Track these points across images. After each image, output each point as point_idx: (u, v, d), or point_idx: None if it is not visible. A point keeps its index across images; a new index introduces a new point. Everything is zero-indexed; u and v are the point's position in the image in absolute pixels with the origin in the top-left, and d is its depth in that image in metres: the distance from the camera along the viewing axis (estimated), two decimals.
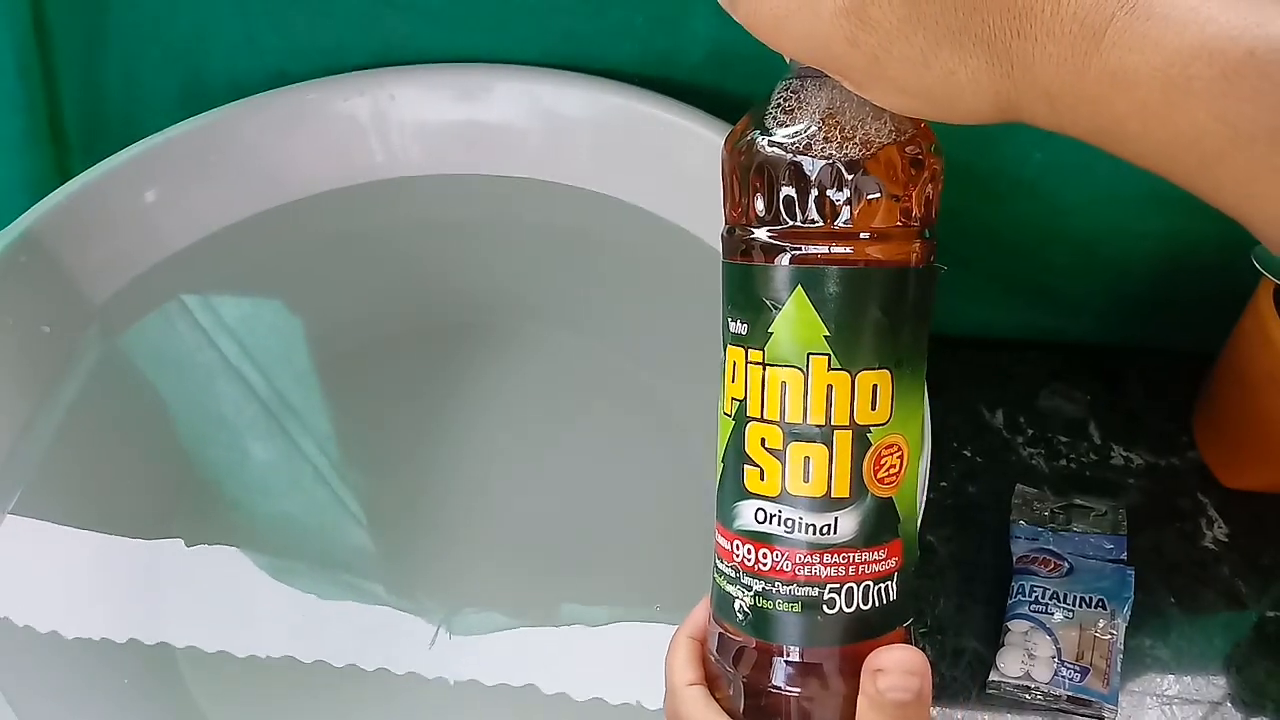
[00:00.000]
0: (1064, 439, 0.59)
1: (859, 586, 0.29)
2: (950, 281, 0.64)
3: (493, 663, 0.48)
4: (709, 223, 0.53)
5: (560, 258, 0.58)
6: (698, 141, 0.52)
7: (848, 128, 0.28)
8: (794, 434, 0.28)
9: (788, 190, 0.28)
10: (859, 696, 0.28)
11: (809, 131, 0.28)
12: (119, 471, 0.51)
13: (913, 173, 0.28)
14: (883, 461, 0.28)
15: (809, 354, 0.28)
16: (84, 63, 0.55)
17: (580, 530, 0.52)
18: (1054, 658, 0.49)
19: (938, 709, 0.49)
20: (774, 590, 0.29)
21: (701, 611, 0.33)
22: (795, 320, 0.28)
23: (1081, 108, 0.25)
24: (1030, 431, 0.59)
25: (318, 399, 0.56)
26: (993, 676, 0.49)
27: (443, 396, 0.56)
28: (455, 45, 0.55)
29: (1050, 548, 0.53)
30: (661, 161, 0.54)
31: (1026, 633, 0.50)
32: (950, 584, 0.53)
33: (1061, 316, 0.63)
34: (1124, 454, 0.58)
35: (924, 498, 0.31)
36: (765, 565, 0.29)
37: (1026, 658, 0.49)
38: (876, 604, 0.29)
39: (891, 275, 0.28)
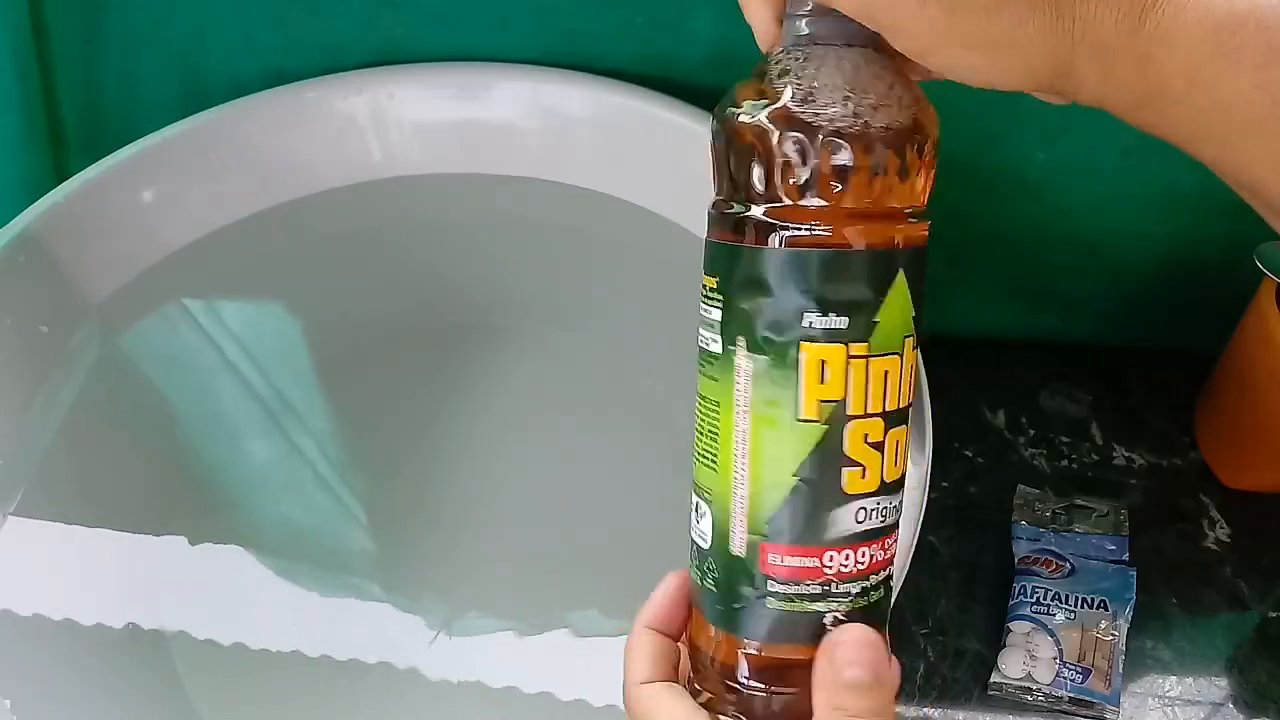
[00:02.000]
0: (1065, 439, 0.59)
1: (893, 567, 0.29)
2: (953, 282, 0.65)
3: (493, 663, 0.48)
4: None
5: (560, 258, 0.58)
6: (698, 141, 0.52)
7: (828, 102, 0.27)
8: (892, 420, 0.27)
9: (827, 161, 0.26)
10: (815, 691, 0.27)
11: (786, 105, 0.27)
12: (118, 471, 0.51)
13: (930, 151, 0.28)
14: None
15: (904, 337, 0.27)
16: (82, 62, 0.55)
17: (580, 531, 0.52)
18: (1056, 659, 0.49)
19: (940, 710, 0.49)
20: (872, 584, 0.28)
21: (663, 601, 0.31)
22: (897, 305, 0.27)
23: (1131, 67, 0.25)
24: (1032, 432, 0.59)
25: (317, 398, 0.56)
26: (994, 678, 0.49)
27: (442, 396, 0.56)
28: (455, 45, 0.55)
29: (1052, 548, 0.53)
30: (662, 161, 0.53)
31: (1028, 634, 0.50)
32: (952, 585, 0.53)
33: (1063, 317, 0.63)
34: (1126, 454, 0.58)
35: None
36: (864, 564, 0.28)
37: (1028, 659, 0.49)
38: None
39: (921, 251, 0.28)
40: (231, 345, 0.55)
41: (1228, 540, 0.55)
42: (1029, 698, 0.49)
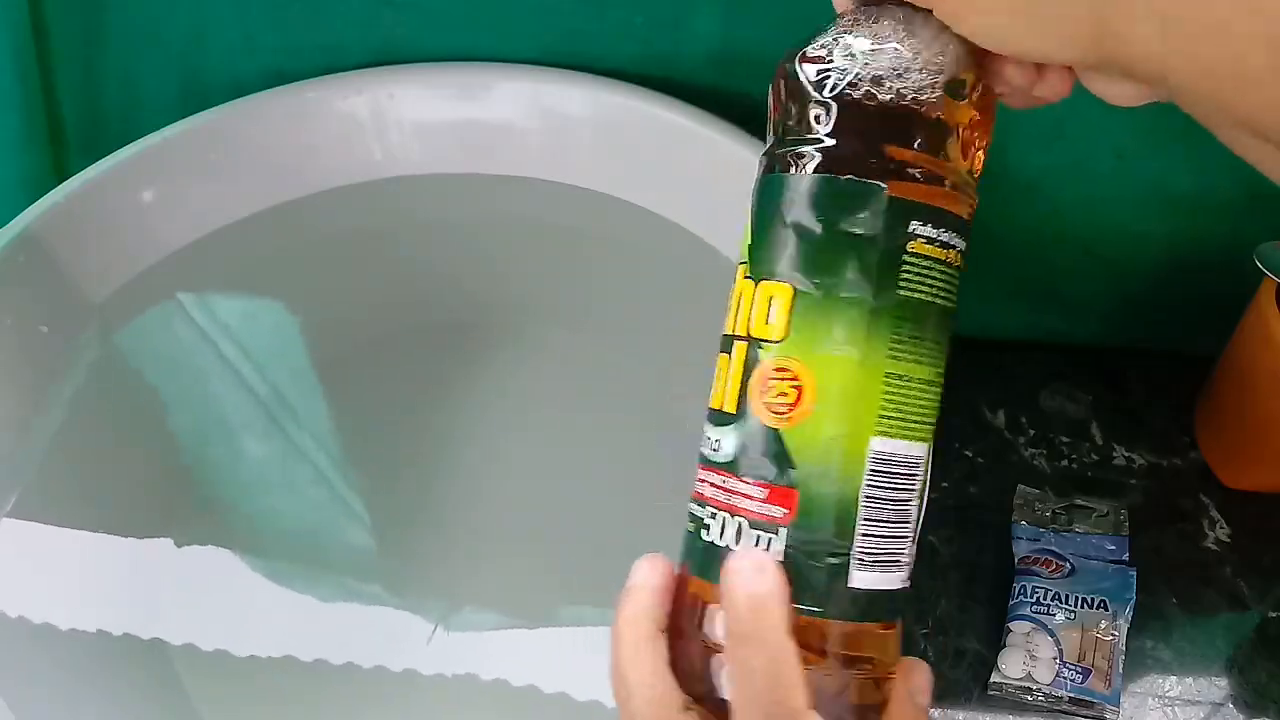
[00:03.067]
0: (1065, 439, 0.59)
1: (731, 519, 0.27)
2: None
3: (490, 661, 0.48)
4: (710, 222, 0.53)
5: (560, 258, 0.58)
6: (698, 141, 0.52)
7: (845, 49, 0.27)
8: (722, 344, 0.28)
9: (776, 97, 0.29)
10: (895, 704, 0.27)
11: (823, 41, 0.28)
12: (117, 471, 0.51)
13: (869, 113, 0.27)
14: (770, 384, 0.27)
15: (740, 262, 0.28)
16: (82, 62, 0.55)
17: (579, 529, 0.52)
18: (1056, 659, 0.49)
19: (940, 710, 0.49)
20: (691, 513, 0.29)
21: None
22: (749, 227, 0.28)
23: (1202, 35, 0.23)
24: (1032, 432, 0.59)
25: (316, 398, 0.56)
26: (994, 678, 0.49)
27: (441, 396, 0.56)
28: (455, 45, 0.55)
29: (1052, 548, 0.53)
30: (662, 161, 0.53)
31: (1028, 634, 0.50)
32: (951, 585, 0.53)
33: (1063, 317, 0.63)
34: (1126, 454, 0.58)
35: (881, 494, 0.27)
36: (695, 488, 0.29)
37: (1028, 659, 0.49)
38: (753, 546, 0.27)
39: (822, 184, 0.27)
40: (231, 345, 0.55)
41: (1228, 540, 0.55)
42: (1029, 698, 0.49)
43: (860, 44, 0.27)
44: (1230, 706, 0.49)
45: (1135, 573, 0.52)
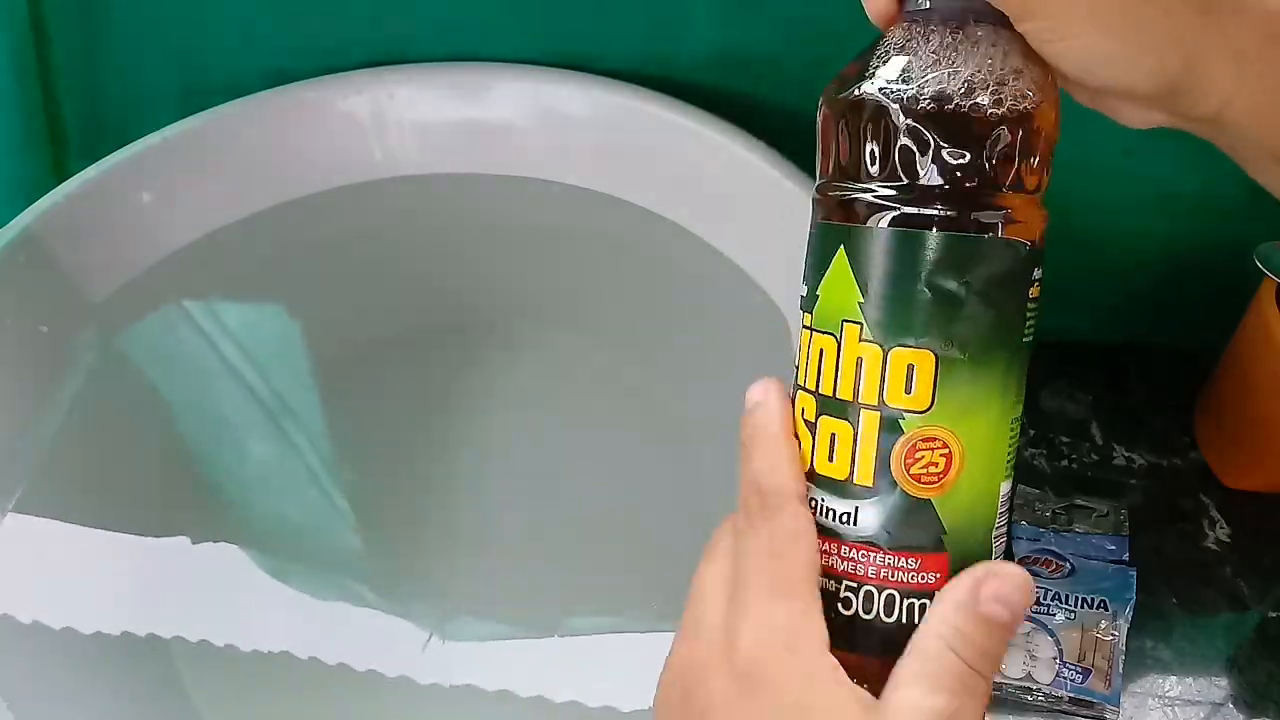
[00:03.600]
0: (1065, 439, 0.59)
1: (880, 593, 0.26)
2: None
3: (487, 667, 0.48)
4: (710, 222, 0.53)
5: (560, 258, 0.58)
6: (698, 141, 0.52)
7: (926, 77, 0.25)
8: (824, 407, 0.26)
9: (844, 140, 0.26)
10: (937, 603, 0.25)
11: (885, 78, 0.25)
12: (117, 471, 0.51)
13: (990, 135, 0.25)
14: (918, 455, 0.25)
15: (843, 320, 0.25)
16: (82, 62, 0.55)
17: (578, 533, 0.52)
18: (1056, 659, 0.49)
19: None
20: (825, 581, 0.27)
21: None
22: (835, 282, 0.26)
23: (1271, 75, 0.24)
24: (1032, 432, 0.59)
25: (316, 399, 0.56)
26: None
27: (441, 397, 0.56)
28: (455, 45, 0.55)
29: (1052, 548, 0.53)
30: (662, 161, 0.53)
31: (1028, 634, 0.50)
32: None
33: (1063, 316, 0.62)
34: (1126, 454, 0.58)
35: (1002, 524, 0.27)
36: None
37: (1028, 659, 0.49)
38: (904, 620, 0.26)
39: (940, 241, 0.25)
40: (231, 345, 0.55)
41: (1228, 540, 0.55)
42: (1029, 698, 0.49)
43: (943, 69, 0.25)
44: (1230, 706, 0.49)
45: (1135, 573, 0.52)
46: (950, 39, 0.25)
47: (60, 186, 0.51)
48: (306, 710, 0.47)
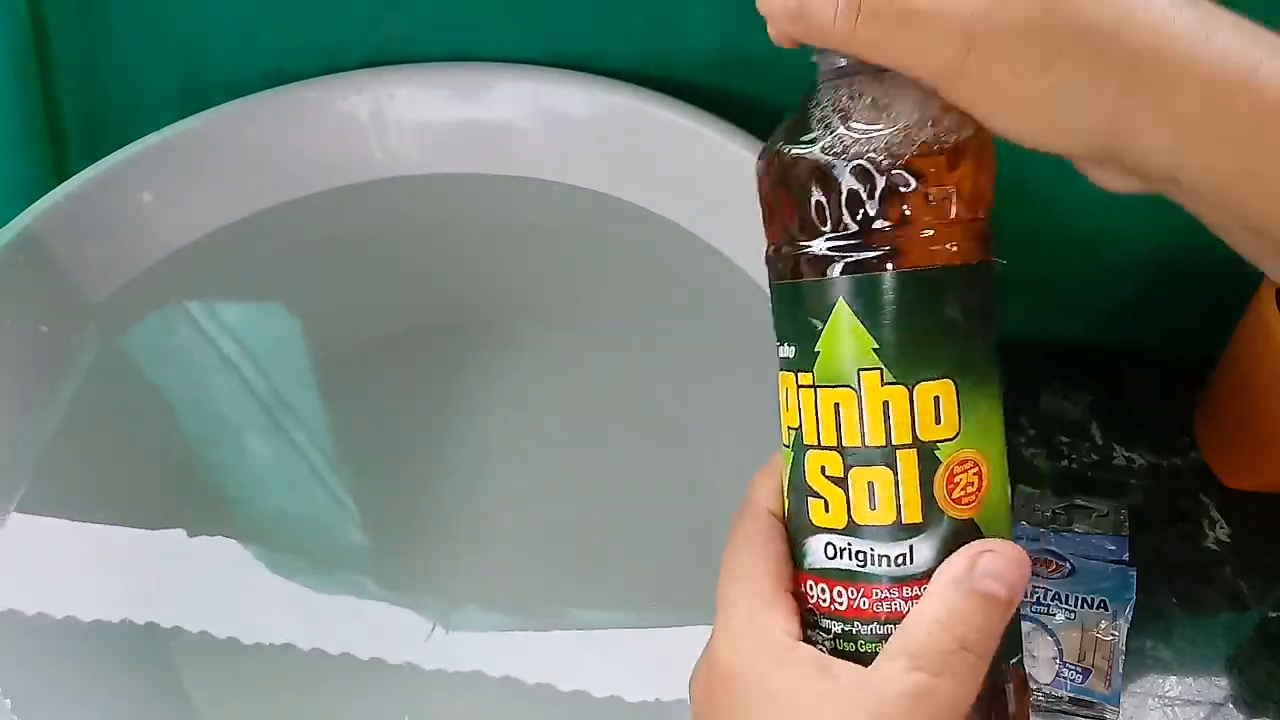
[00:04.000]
0: (1065, 439, 0.59)
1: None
2: None
3: (488, 659, 0.48)
4: (709, 222, 0.53)
5: (560, 258, 0.58)
6: (698, 141, 0.52)
7: (882, 126, 0.26)
8: (854, 458, 0.26)
9: (818, 197, 0.26)
10: (939, 573, 0.26)
11: (840, 134, 0.26)
12: (117, 470, 0.51)
13: (953, 167, 0.26)
14: (956, 480, 0.26)
15: (859, 370, 0.26)
16: (82, 62, 0.55)
17: (576, 529, 0.52)
18: (1056, 659, 0.49)
19: None
20: (855, 631, 0.27)
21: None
22: (840, 335, 0.26)
23: (1219, 145, 0.24)
24: (1032, 432, 0.59)
25: (316, 397, 0.56)
26: None
27: (441, 396, 0.56)
28: (455, 45, 0.55)
29: (1052, 548, 0.53)
30: (661, 161, 0.53)
31: (1028, 634, 0.50)
32: None
33: (1063, 317, 0.63)
34: (1125, 454, 0.58)
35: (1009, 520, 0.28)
36: (842, 605, 0.27)
37: (1028, 659, 0.49)
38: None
39: (938, 276, 0.26)
40: (231, 345, 0.55)
41: (1228, 540, 0.55)
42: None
43: (895, 117, 0.26)
44: (1230, 706, 0.49)
45: (1135, 573, 0.52)
46: (883, 87, 0.26)
47: (60, 186, 0.51)
48: (309, 706, 0.47)
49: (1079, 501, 0.56)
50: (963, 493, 0.26)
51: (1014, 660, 0.28)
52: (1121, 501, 0.56)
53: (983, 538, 0.26)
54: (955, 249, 0.26)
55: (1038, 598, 0.51)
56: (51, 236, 0.50)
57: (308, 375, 0.57)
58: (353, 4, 0.54)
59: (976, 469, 0.26)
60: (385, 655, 0.48)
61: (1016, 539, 0.54)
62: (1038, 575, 0.52)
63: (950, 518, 0.26)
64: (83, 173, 0.52)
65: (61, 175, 0.55)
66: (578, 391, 0.56)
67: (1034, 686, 0.48)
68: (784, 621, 0.27)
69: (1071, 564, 0.52)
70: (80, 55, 0.55)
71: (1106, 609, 0.50)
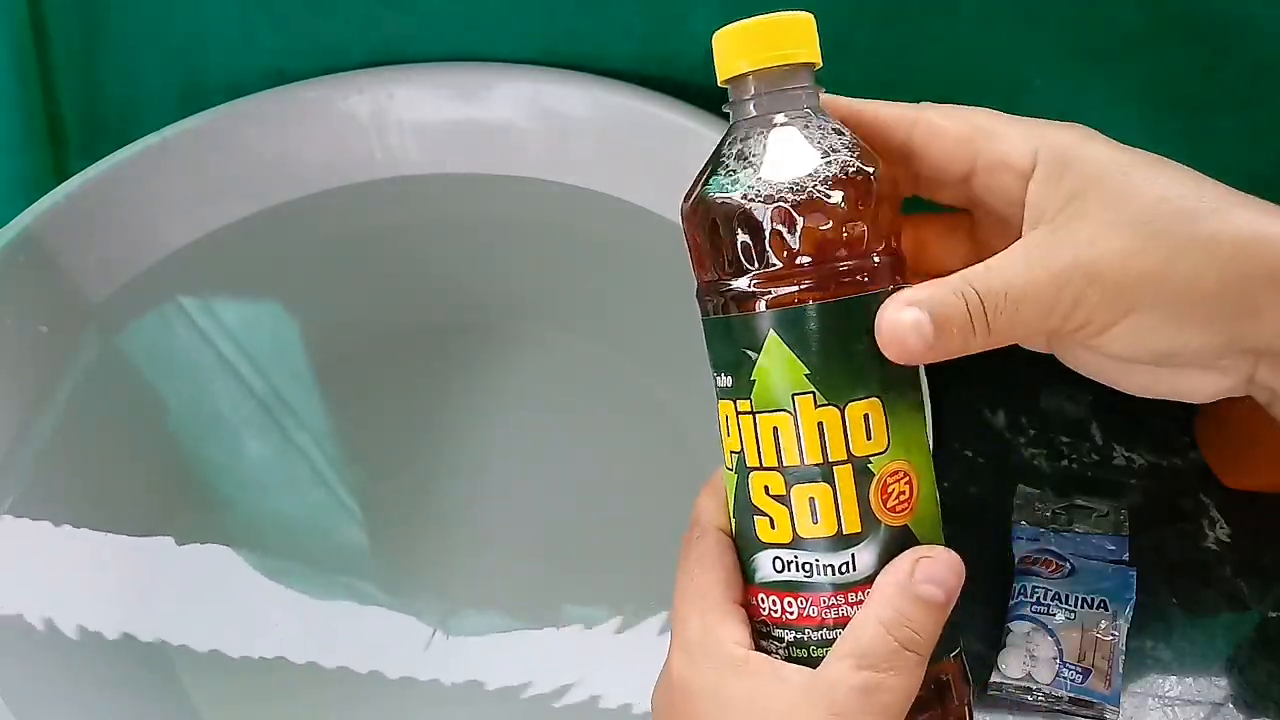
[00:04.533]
0: (1065, 439, 0.59)
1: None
2: None
3: (489, 663, 0.48)
4: None
5: (560, 258, 0.58)
6: (698, 141, 0.52)
7: (794, 168, 0.28)
8: (795, 477, 0.28)
9: (743, 238, 0.28)
10: (880, 579, 0.28)
11: (758, 178, 0.28)
12: (116, 471, 0.51)
13: (863, 201, 0.28)
14: (890, 489, 0.28)
15: (794, 395, 0.28)
16: (82, 62, 0.55)
17: (578, 531, 0.52)
18: (1056, 659, 0.49)
19: None
20: (806, 638, 0.29)
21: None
22: (774, 364, 0.28)
23: None
24: (1032, 432, 0.59)
25: (315, 399, 0.56)
26: (994, 678, 0.49)
27: (441, 397, 0.56)
28: (455, 45, 0.55)
29: (1052, 548, 0.53)
30: (661, 161, 0.53)
31: (1028, 634, 0.50)
32: None
33: None
34: (1126, 454, 0.58)
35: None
36: (792, 614, 0.29)
37: (1028, 659, 0.49)
38: None
39: (859, 304, 0.28)
40: (230, 345, 0.55)
41: (1228, 540, 0.55)
42: (1029, 698, 0.49)
43: (810, 156, 0.28)
44: (1230, 706, 0.49)
45: (1135, 573, 0.52)
46: (791, 132, 0.29)
47: (60, 186, 0.51)
48: (308, 709, 0.47)
49: (1079, 501, 0.56)
50: (896, 501, 0.28)
51: (953, 654, 0.30)
52: (1121, 501, 0.56)
53: (918, 543, 0.29)
54: (869, 278, 0.28)
55: (1038, 598, 0.51)
56: (51, 236, 0.50)
57: (307, 375, 0.57)
58: (353, 4, 0.54)
59: (907, 478, 0.28)
60: (385, 659, 0.48)
61: (1017, 539, 0.55)
62: (1038, 575, 0.52)
63: (887, 525, 0.28)
64: (83, 173, 0.52)
65: (61, 175, 0.55)
66: (577, 392, 0.56)
67: (1034, 686, 0.48)
68: (735, 633, 0.29)
69: (1071, 564, 0.52)
70: (80, 55, 0.55)
71: (1106, 609, 0.50)
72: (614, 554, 0.51)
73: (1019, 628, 0.50)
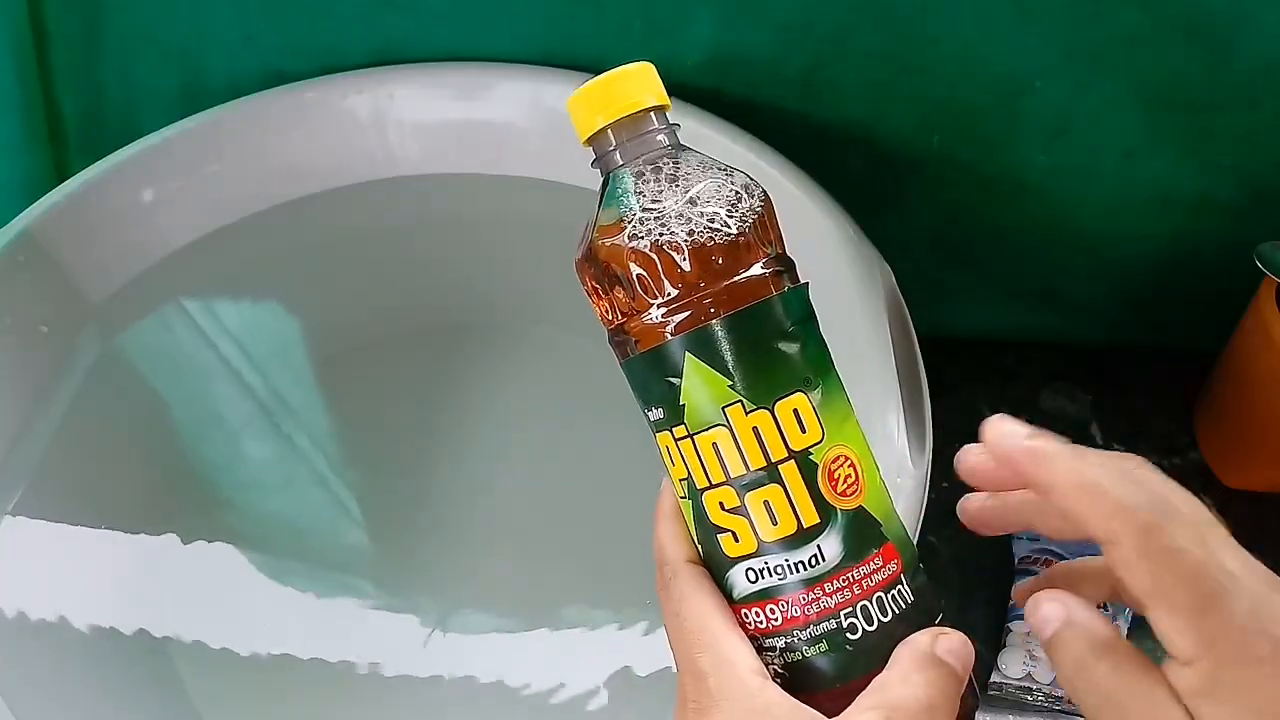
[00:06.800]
0: (1066, 439, 0.59)
1: (872, 601, 0.29)
2: (954, 283, 0.64)
3: (487, 662, 0.48)
4: None
5: (561, 258, 0.57)
6: (697, 141, 0.52)
7: (671, 200, 0.30)
8: (745, 485, 0.29)
9: (639, 273, 0.29)
10: (899, 652, 0.28)
11: (639, 216, 0.30)
12: (117, 471, 0.51)
13: (741, 215, 0.29)
14: (835, 475, 0.29)
15: (723, 408, 0.29)
16: (82, 62, 0.55)
17: (577, 530, 0.52)
18: None
19: None
20: (796, 640, 0.29)
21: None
22: (697, 384, 0.29)
23: None
24: None
25: (315, 398, 0.56)
26: (994, 678, 0.49)
27: (441, 396, 0.56)
28: (455, 45, 0.55)
29: (1052, 548, 0.53)
30: None
31: (1028, 634, 0.50)
32: (952, 585, 0.53)
33: (1064, 317, 0.63)
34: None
35: (898, 497, 0.31)
36: (777, 620, 0.29)
37: (1028, 659, 0.49)
38: (897, 609, 0.29)
39: (762, 309, 0.29)
40: (230, 345, 0.55)
41: None
42: (1029, 698, 0.49)
43: (698, 186, 0.30)
44: None
45: None
46: (659, 169, 0.31)
47: (60, 186, 0.51)
48: (308, 707, 0.47)
49: None
50: (845, 485, 0.29)
51: None
52: None
53: (875, 521, 0.29)
54: (765, 284, 0.29)
55: None
56: (51, 236, 0.50)
57: (307, 375, 0.57)
58: (353, 4, 0.54)
59: (850, 461, 0.29)
60: (384, 658, 0.48)
61: (1017, 539, 0.55)
62: (1038, 575, 0.52)
63: (842, 510, 0.29)
64: (83, 173, 0.52)
65: (62, 175, 0.55)
66: (578, 392, 0.56)
67: (1034, 686, 0.48)
68: (746, 659, 0.29)
69: None
70: (80, 55, 0.55)
71: (1107, 609, 0.50)
72: (614, 554, 0.51)
73: (1019, 628, 0.50)
